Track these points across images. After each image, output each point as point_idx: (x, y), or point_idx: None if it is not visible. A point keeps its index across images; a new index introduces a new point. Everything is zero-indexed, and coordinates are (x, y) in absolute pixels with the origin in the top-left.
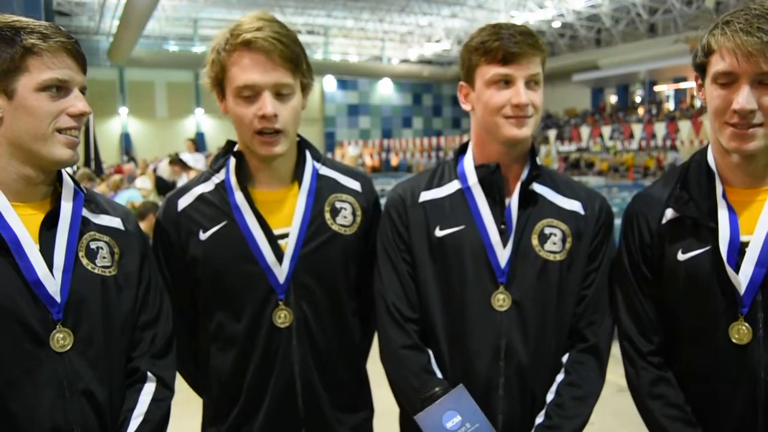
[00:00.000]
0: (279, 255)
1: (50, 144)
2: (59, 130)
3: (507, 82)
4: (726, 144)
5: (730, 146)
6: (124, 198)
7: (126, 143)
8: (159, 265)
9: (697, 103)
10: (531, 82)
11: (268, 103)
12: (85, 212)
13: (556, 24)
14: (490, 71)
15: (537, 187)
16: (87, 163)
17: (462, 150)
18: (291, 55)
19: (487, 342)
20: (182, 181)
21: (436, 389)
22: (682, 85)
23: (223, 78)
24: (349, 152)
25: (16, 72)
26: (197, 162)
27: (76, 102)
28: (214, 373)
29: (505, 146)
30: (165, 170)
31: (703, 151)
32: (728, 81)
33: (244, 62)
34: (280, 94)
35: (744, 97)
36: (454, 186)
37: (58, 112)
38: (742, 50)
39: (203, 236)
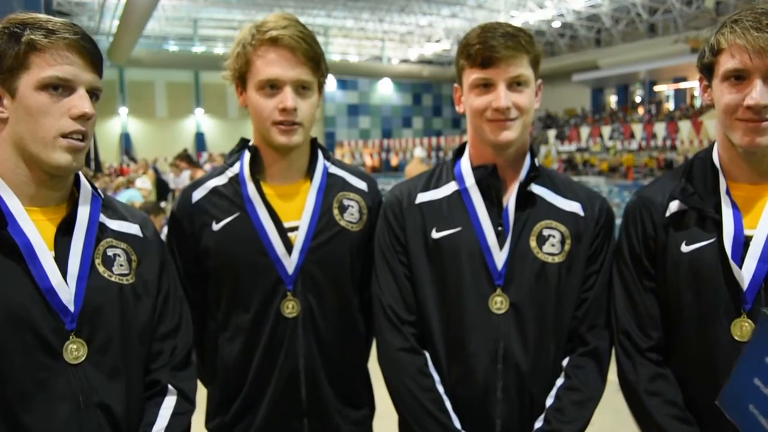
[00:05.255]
0: (288, 247)
1: (49, 148)
2: (63, 135)
3: (488, 85)
4: (739, 141)
5: (743, 142)
6: (124, 198)
7: (126, 143)
8: (173, 256)
9: (697, 103)
10: (514, 84)
11: (289, 97)
12: (102, 218)
13: (556, 24)
14: (472, 75)
15: (535, 188)
16: (87, 163)
17: (460, 151)
18: (313, 54)
19: (485, 345)
20: (182, 179)
21: None
22: (682, 85)
23: (246, 71)
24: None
25: (20, 69)
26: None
27: (79, 102)
28: (221, 362)
29: (494, 149)
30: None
31: (707, 150)
32: (740, 78)
33: (270, 57)
34: (300, 90)
35: (758, 93)
36: (451, 187)
37: (59, 113)
38: (753, 46)
39: (216, 227)
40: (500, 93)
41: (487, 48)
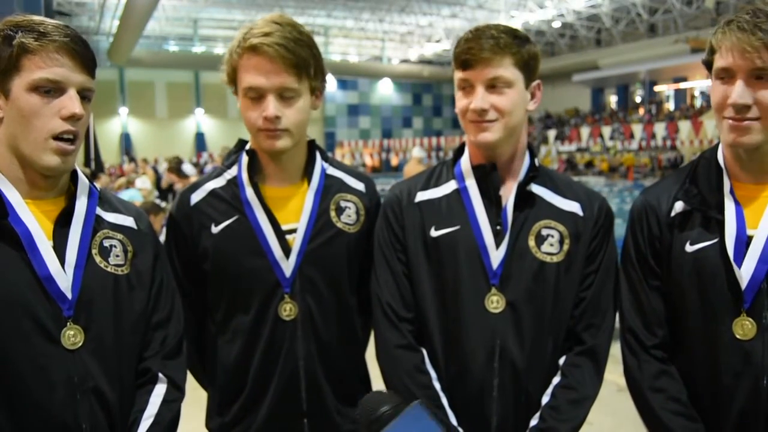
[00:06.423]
0: (286, 250)
1: (40, 149)
2: (54, 136)
3: (470, 86)
4: (725, 137)
5: (728, 139)
6: (124, 198)
7: (126, 143)
8: (170, 258)
9: (698, 103)
10: (495, 86)
11: (270, 106)
12: (99, 210)
13: (556, 24)
14: (456, 76)
15: (535, 188)
16: (87, 163)
17: (460, 151)
18: (296, 60)
19: (481, 343)
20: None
21: (384, 408)
22: (682, 85)
23: (234, 77)
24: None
25: (12, 71)
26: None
27: (69, 103)
28: (221, 364)
29: (478, 149)
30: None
31: (713, 149)
32: (727, 77)
33: (251, 66)
34: (284, 96)
35: (737, 92)
36: (450, 186)
37: (49, 114)
38: (737, 47)
39: (215, 230)
40: (477, 94)
41: (464, 50)
